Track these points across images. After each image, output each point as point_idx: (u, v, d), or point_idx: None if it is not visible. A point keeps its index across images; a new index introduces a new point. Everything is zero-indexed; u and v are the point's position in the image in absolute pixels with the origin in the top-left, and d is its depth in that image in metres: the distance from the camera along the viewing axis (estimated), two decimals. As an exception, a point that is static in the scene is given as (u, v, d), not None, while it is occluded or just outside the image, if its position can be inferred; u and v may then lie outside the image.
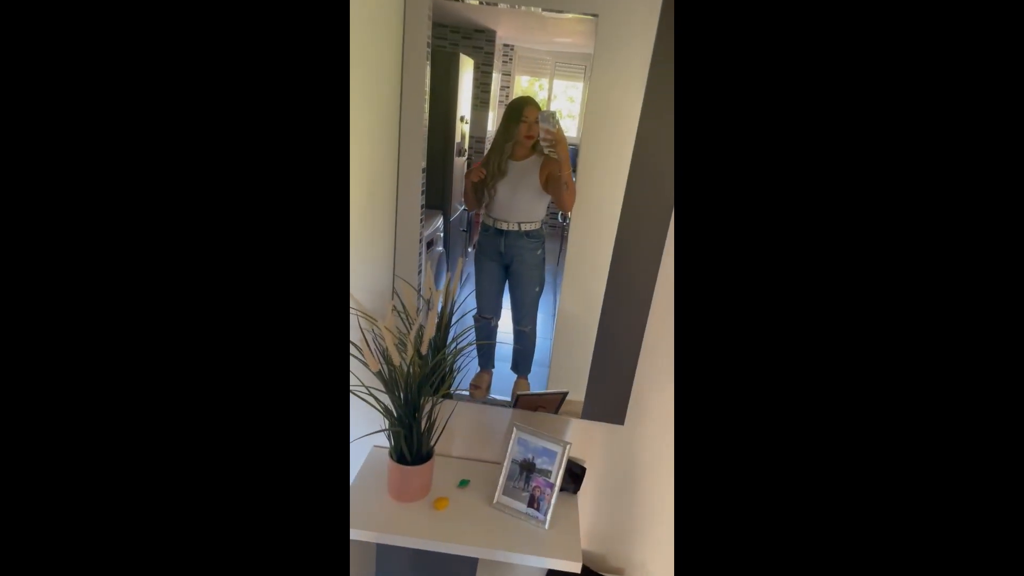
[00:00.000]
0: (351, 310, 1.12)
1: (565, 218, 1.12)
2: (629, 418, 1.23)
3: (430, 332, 1.03)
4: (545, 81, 1.08)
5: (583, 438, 1.28)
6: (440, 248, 1.21)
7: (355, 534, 1.06)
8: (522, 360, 1.25)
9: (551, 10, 0.99)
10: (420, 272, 1.17)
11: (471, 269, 1.21)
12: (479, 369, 1.27)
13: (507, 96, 1.08)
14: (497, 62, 1.06)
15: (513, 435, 1.17)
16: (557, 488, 1.12)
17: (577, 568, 1.05)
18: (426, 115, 1.07)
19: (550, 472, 1.13)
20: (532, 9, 0.99)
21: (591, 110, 1.03)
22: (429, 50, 1.03)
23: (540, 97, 1.08)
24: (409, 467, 1.10)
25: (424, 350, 1.03)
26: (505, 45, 1.05)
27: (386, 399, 1.07)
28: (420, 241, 1.15)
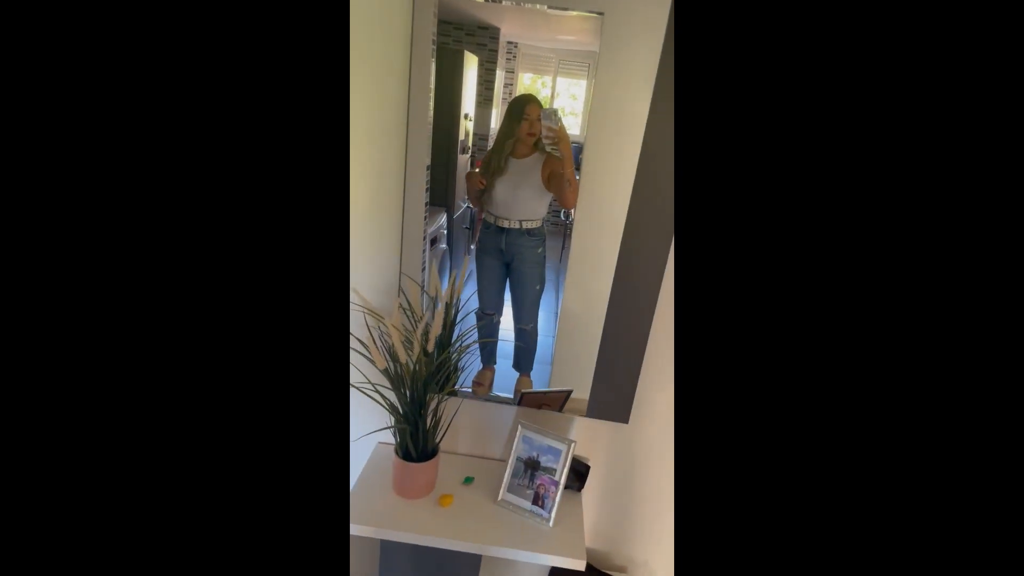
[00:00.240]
0: (359, 308, 1.12)
1: (568, 216, 1.12)
2: (634, 416, 1.23)
3: (436, 330, 1.03)
4: (548, 79, 1.07)
5: (587, 436, 1.28)
6: (443, 245, 1.21)
7: (360, 530, 1.06)
8: (524, 358, 1.25)
9: (556, 8, 0.99)
10: (424, 269, 1.17)
11: (472, 266, 1.21)
12: (481, 366, 1.27)
13: (510, 93, 1.08)
14: (501, 59, 1.06)
15: (518, 433, 1.17)
16: (561, 486, 1.12)
17: (581, 566, 1.05)
18: (431, 112, 1.07)
19: (555, 470, 1.13)
20: (537, 6, 0.99)
21: (596, 108, 1.03)
22: (434, 47, 1.02)
23: (543, 95, 1.08)
24: (414, 464, 1.10)
25: (431, 347, 1.03)
26: (509, 42, 1.05)
27: (392, 396, 1.08)
28: (424, 238, 1.15)
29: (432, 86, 1.05)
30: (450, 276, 1.17)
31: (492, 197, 1.14)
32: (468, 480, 1.21)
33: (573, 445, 1.13)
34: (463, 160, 1.14)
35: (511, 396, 1.27)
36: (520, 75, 1.07)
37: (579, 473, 1.23)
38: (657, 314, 1.13)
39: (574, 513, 1.16)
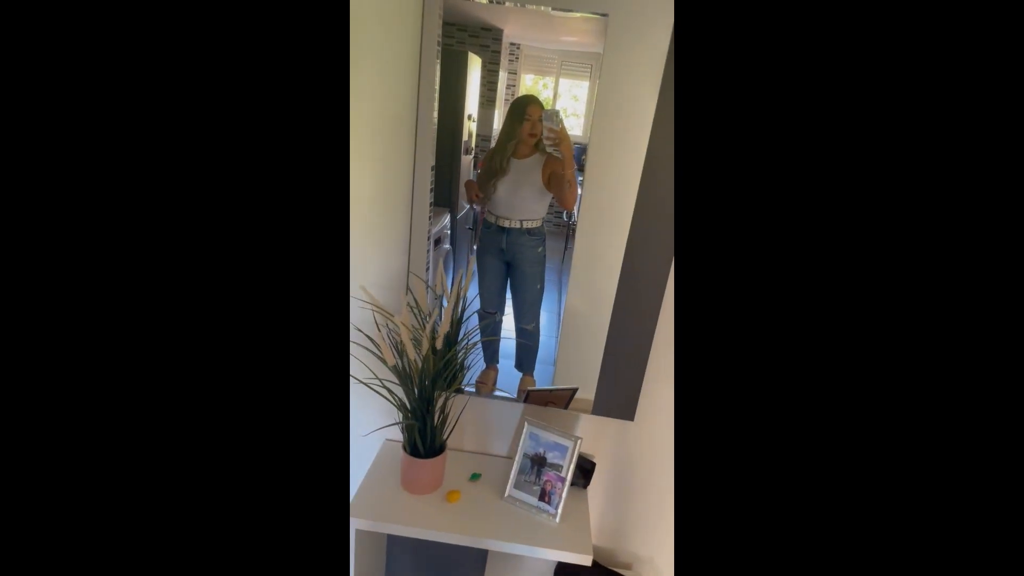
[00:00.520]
0: (368, 306, 1.13)
1: (570, 217, 1.13)
2: (639, 414, 1.24)
3: (444, 327, 1.04)
4: (550, 80, 1.08)
5: (593, 433, 1.29)
6: (447, 246, 1.22)
7: (367, 525, 1.07)
8: (526, 358, 1.26)
9: (560, 9, 1.00)
10: (428, 269, 1.18)
11: (474, 266, 1.22)
12: (484, 367, 1.29)
13: (513, 94, 1.09)
14: (503, 61, 1.07)
15: (525, 430, 1.18)
16: (568, 482, 1.13)
17: (588, 561, 1.06)
18: (436, 113, 1.08)
19: (561, 466, 1.14)
20: (541, 8, 1.00)
21: (600, 109, 1.04)
22: (439, 48, 1.04)
23: (545, 96, 1.09)
24: (422, 460, 1.11)
25: (439, 345, 1.04)
26: (511, 44, 1.06)
27: (400, 392, 1.09)
28: (428, 239, 1.16)
29: (437, 87, 1.06)
30: (456, 275, 1.18)
31: (493, 197, 1.15)
32: (475, 477, 1.22)
33: (580, 442, 1.14)
34: (466, 161, 1.16)
35: (514, 396, 1.28)
36: (522, 76, 1.08)
37: (585, 470, 1.24)
38: (662, 312, 1.15)
39: (580, 509, 1.17)
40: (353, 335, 1.18)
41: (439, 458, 1.13)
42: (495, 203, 1.15)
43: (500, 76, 1.08)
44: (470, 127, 1.13)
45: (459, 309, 1.15)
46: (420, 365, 1.05)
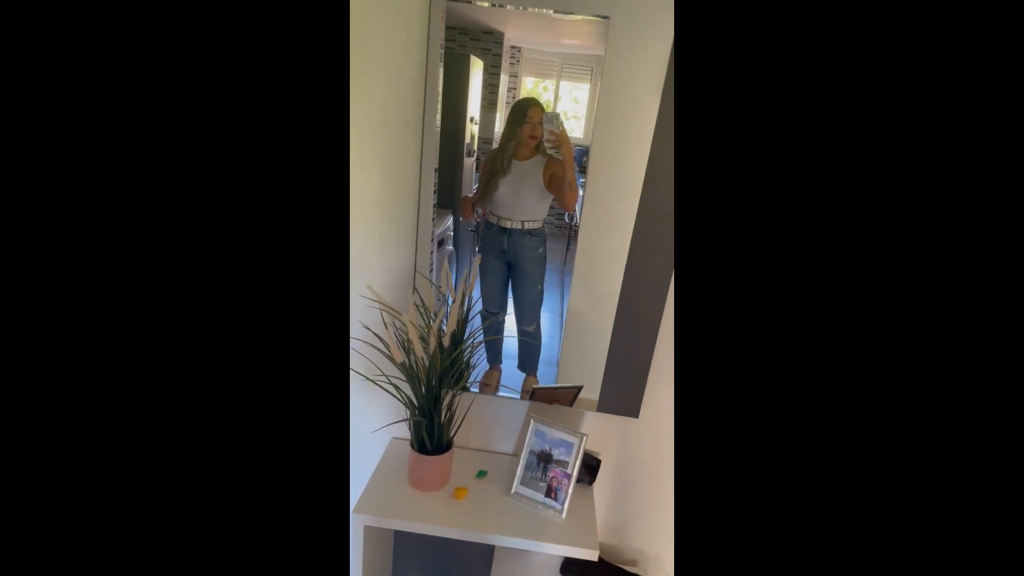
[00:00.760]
0: (375, 305, 1.15)
1: (571, 218, 1.14)
2: (644, 411, 1.25)
3: (451, 325, 1.06)
4: (551, 82, 1.10)
5: (598, 431, 1.30)
6: (450, 247, 1.23)
7: (375, 521, 1.08)
8: (528, 359, 1.27)
9: (562, 12, 1.01)
10: (432, 271, 1.20)
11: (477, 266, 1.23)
12: (488, 367, 1.30)
13: (514, 97, 1.10)
14: (505, 64, 1.08)
15: (531, 427, 1.19)
16: (574, 478, 1.14)
17: (595, 556, 1.06)
18: (439, 115, 1.10)
19: (567, 463, 1.15)
20: (544, 11, 1.02)
21: (602, 111, 1.05)
22: (443, 52, 1.06)
23: (546, 99, 1.10)
24: (429, 457, 1.12)
25: (447, 343, 1.05)
26: (512, 47, 1.07)
27: (407, 389, 1.10)
28: (432, 240, 1.17)
29: (440, 90, 1.08)
30: (463, 274, 1.20)
31: (495, 198, 1.16)
32: (481, 474, 1.23)
33: (585, 438, 1.15)
34: (469, 163, 1.17)
35: (518, 397, 1.29)
36: (523, 79, 1.09)
37: (590, 467, 1.25)
38: (666, 310, 1.16)
39: (586, 505, 1.18)
40: (362, 333, 1.20)
41: (446, 455, 1.14)
42: (497, 204, 1.17)
43: (501, 79, 1.09)
44: (472, 130, 1.14)
45: (465, 307, 1.16)
46: (427, 363, 1.06)
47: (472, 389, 1.27)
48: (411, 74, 1.08)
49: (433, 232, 1.17)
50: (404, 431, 1.33)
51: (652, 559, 1.42)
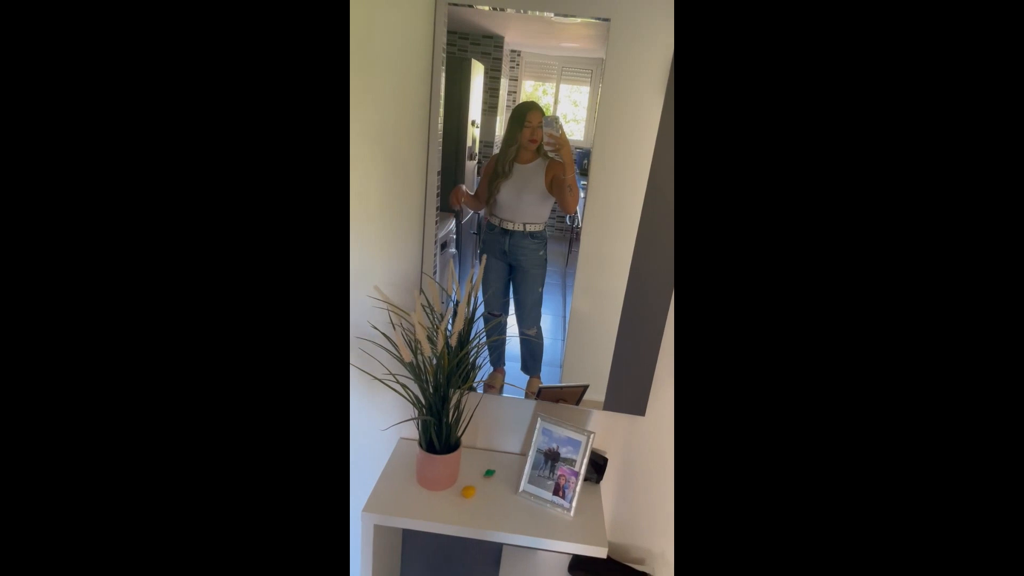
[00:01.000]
0: (382, 306, 1.16)
1: (573, 220, 1.16)
2: (650, 409, 1.26)
3: (459, 325, 1.07)
4: (550, 86, 1.10)
5: (605, 429, 1.31)
6: (453, 250, 1.25)
7: (384, 520, 1.09)
8: (531, 361, 1.28)
9: (562, 15, 1.02)
10: (435, 272, 1.21)
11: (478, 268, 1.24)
12: (492, 369, 1.31)
13: (514, 101, 1.11)
14: (505, 67, 1.09)
15: (538, 425, 1.20)
16: (582, 476, 1.14)
17: (603, 553, 1.07)
18: (441, 119, 1.11)
19: (575, 461, 1.16)
20: (544, 14, 1.03)
21: (603, 113, 1.06)
22: (444, 56, 1.07)
23: (545, 102, 1.11)
24: (438, 456, 1.13)
25: (454, 342, 1.07)
26: (512, 51, 1.08)
27: (415, 388, 1.11)
28: (435, 243, 1.19)
29: (443, 94, 1.09)
30: (469, 275, 1.21)
31: (497, 200, 1.18)
32: (489, 473, 1.24)
33: (592, 436, 1.15)
34: (470, 166, 1.18)
35: (522, 398, 1.30)
36: (523, 82, 1.10)
37: (597, 465, 1.25)
38: (672, 308, 1.17)
39: (594, 503, 1.19)
40: (370, 333, 1.21)
41: (454, 454, 1.15)
42: (499, 206, 1.18)
43: (502, 83, 1.10)
44: (473, 133, 1.16)
45: (471, 308, 1.17)
46: (435, 362, 1.07)
47: (478, 390, 1.28)
48: (417, 81, 1.09)
49: (436, 235, 1.18)
50: (412, 432, 1.34)
51: (659, 557, 1.42)
